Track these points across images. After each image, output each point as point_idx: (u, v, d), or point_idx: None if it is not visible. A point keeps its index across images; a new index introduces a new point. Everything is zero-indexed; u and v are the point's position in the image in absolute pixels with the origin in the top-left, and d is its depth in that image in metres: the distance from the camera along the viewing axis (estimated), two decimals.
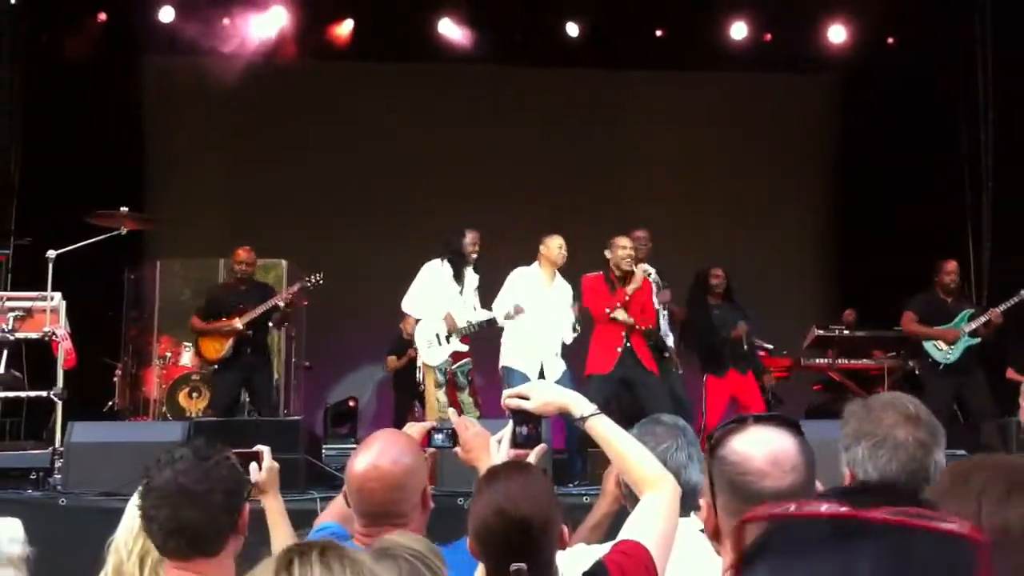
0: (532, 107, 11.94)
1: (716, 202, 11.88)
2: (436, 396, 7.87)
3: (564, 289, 7.92)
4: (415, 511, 2.61)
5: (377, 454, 2.58)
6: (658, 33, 11.76)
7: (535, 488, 2.26)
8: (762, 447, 1.85)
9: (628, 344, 7.60)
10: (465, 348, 7.97)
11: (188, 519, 2.31)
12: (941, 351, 8.29)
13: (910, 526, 0.90)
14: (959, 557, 0.89)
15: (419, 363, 8.19)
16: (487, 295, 8.08)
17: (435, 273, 8.05)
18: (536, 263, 7.90)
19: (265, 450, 3.15)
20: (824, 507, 0.94)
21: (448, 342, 7.91)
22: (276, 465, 3.15)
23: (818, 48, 11.60)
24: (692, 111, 12.02)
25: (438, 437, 2.92)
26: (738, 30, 11.53)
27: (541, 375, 7.60)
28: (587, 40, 11.53)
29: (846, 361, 9.77)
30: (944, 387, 8.18)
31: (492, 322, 7.95)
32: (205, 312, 8.68)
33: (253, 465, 3.11)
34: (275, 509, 3.12)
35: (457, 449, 2.87)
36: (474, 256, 8.06)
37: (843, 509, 0.93)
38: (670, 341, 8.29)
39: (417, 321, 8.09)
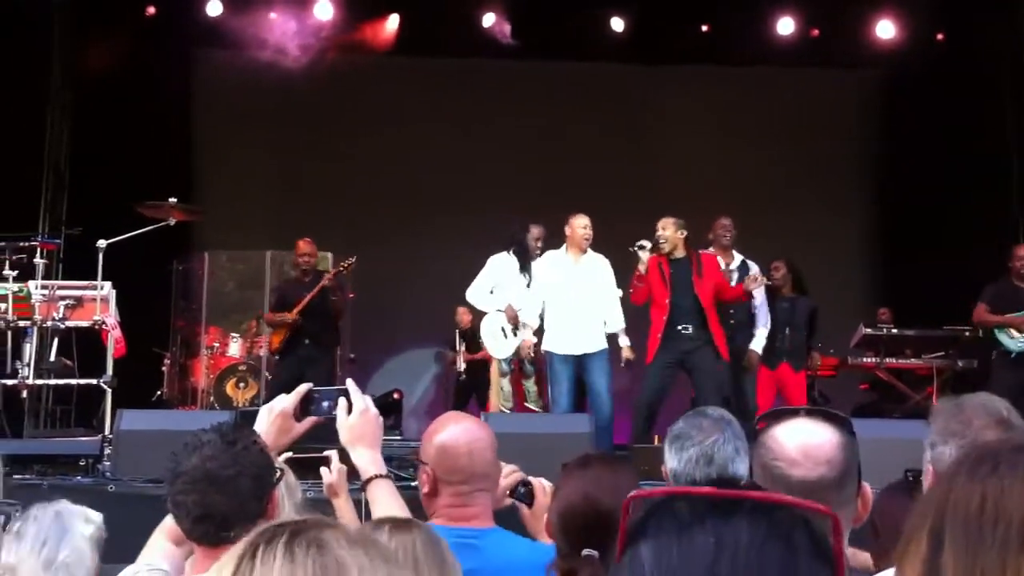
0: (577, 102, 11.92)
1: (760, 198, 11.77)
2: (500, 384, 8.06)
3: (597, 265, 7.81)
4: (495, 482, 2.75)
5: (469, 425, 2.75)
6: (704, 28, 11.70)
7: (621, 481, 2.30)
8: (798, 437, 1.89)
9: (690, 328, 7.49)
10: (533, 340, 7.88)
11: (216, 505, 2.28)
12: (1014, 339, 8.11)
13: (777, 502, 1.02)
14: (817, 528, 1.01)
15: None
16: None
17: (501, 266, 8.14)
18: (564, 245, 7.85)
19: (332, 453, 3.18)
20: (706, 488, 1.03)
21: (514, 335, 7.99)
22: (345, 468, 3.18)
23: (866, 44, 11.49)
24: (737, 106, 11.94)
25: (521, 490, 2.92)
26: (785, 25, 11.45)
27: (581, 357, 7.58)
28: (632, 35, 11.50)
29: (894, 360, 9.64)
30: (1012, 377, 7.99)
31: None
32: (274, 306, 8.94)
33: (324, 469, 3.16)
34: (346, 511, 3.17)
35: (526, 511, 2.92)
36: (538, 252, 8.10)
37: (722, 490, 1.03)
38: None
39: (481, 314, 8.20)
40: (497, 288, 8.09)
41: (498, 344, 8.08)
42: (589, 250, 7.79)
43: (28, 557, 2.87)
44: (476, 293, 8.15)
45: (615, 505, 2.21)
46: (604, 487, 2.27)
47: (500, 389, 8.01)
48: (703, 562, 0.95)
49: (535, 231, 8.13)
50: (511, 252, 8.13)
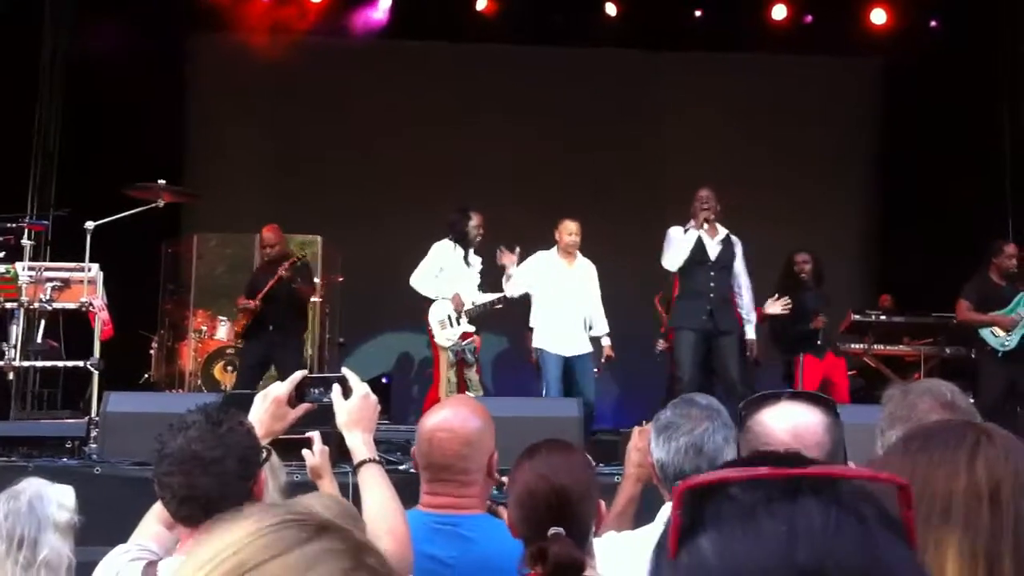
0: (570, 87, 11.88)
1: (753, 185, 11.75)
2: (448, 376, 8.11)
3: (587, 271, 8.15)
4: (480, 474, 2.68)
5: (449, 413, 2.70)
6: (697, 13, 11.67)
7: (574, 461, 2.35)
8: (787, 420, 1.90)
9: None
10: (473, 328, 8.18)
11: (201, 486, 2.29)
12: (998, 338, 8.12)
13: (843, 477, 0.96)
14: (884, 505, 0.96)
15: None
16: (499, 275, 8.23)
17: (446, 253, 8.23)
18: (555, 247, 8.11)
19: (315, 435, 3.16)
20: (764, 469, 0.96)
21: (458, 323, 8.11)
22: (327, 449, 3.17)
23: (860, 31, 11.47)
24: (730, 93, 11.92)
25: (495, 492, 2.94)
26: (778, 11, 11.43)
27: (570, 359, 7.90)
28: (625, 20, 11.47)
29: (882, 347, 9.68)
30: (1001, 374, 8.05)
31: (496, 302, 8.16)
32: (246, 291, 8.91)
33: (306, 451, 3.13)
34: (330, 493, 3.14)
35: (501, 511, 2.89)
36: (478, 239, 8.26)
37: (781, 470, 0.96)
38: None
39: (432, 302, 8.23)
40: (441, 275, 8.15)
41: (445, 332, 8.12)
42: (579, 255, 8.09)
43: (5, 560, 2.83)
44: (421, 279, 8.19)
45: (571, 482, 2.24)
46: (556, 466, 2.29)
47: (448, 380, 8.04)
48: (777, 550, 0.90)
49: (475, 219, 8.23)
50: (451, 239, 8.22)
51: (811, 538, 0.90)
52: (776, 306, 8.04)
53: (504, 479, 2.88)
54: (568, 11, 11.45)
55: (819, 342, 8.55)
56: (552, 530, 2.17)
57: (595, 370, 8.12)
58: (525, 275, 7.99)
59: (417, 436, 2.72)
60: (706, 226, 7.72)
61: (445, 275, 8.17)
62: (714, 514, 0.94)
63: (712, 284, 7.76)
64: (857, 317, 9.57)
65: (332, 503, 2.08)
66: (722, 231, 7.89)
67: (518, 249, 8.00)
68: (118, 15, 10.31)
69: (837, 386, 8.47)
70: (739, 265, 7.92)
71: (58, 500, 2.98)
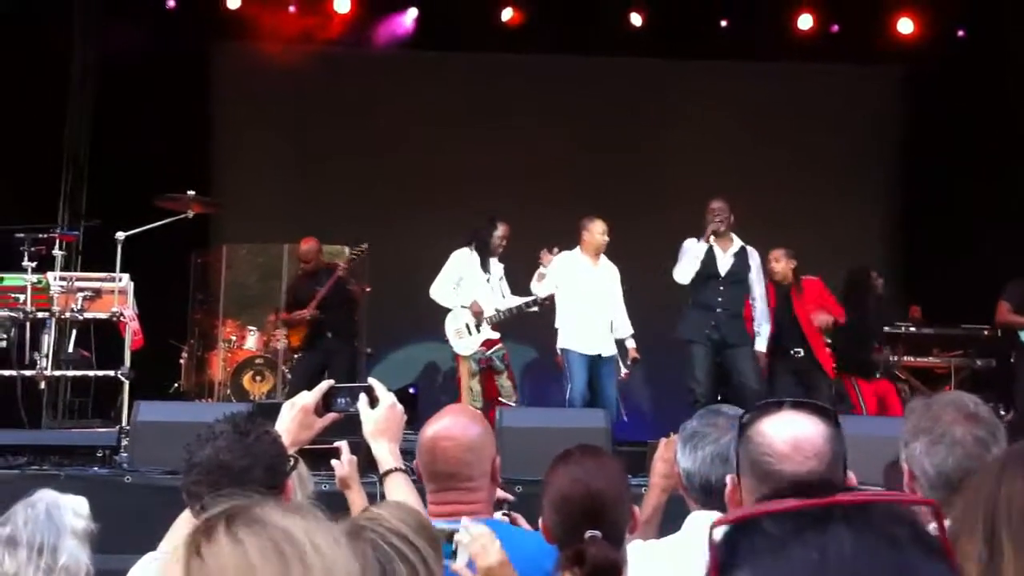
0: (595, 96, 11.88)
1: (778, 194, 11.73)
2: (470, 385, 8.10)
3: (610, 271, 8.11)
4: (484, 479, 2.70)
5: (449, 422, 2.72)
6: (723, 23, 11.67)
7: (608, 467, 2.40)
8: (786, 431, 1.89)
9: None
10: (496, 335, 8.15)
11: (229, 495, 2.30)
12: None
13: (873, 502, 0.96)
14: (919, 524, 0.96)
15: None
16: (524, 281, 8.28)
17: (464, 262, 8.24)
18: (578, 247, 8.04)
19: (343, 444, 3.17)
20: (792, 502, 0.97)
21: (478, 331, 8.09)
22: (355, 458, 3.18)
23: (886, 40, 11.43)
24: (753, 101, 11.89)
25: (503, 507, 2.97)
26: (805, 21, 11.41)
27: (595, 358, 7.84)
28: (651, 30, 11.47)
29: (911, 359, 9.62)
30: None
31: (526, 306, 8.12)
32: (287, 304, 9.07)
33: (335, 461, 3.15)
34: (358, 503, 3.15)
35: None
36: (501, 249, 8.26)
37: (809, 500, 0.97)
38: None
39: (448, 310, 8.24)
40: (461, 283, 8.17)
41: (463, 341, 8.12)
42: (602, 255, 8.05)
43: (27, 567, 2.87)
44: (441, 290, 8.20)
45: (605, 486, 2.27)
46: (591, 471, 2.34)
47: (470, 389, 8.03)
48: None
49: (501, 229, 8.23)
50: (472, 248, 8.22)
51: (841, 563, 0.91)
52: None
53: (500, 493, 2.89)
54: (593, 21, 11.46)
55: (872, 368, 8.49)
56: (589, 533, 2.20)
57: (624, 372, 8.07)
58: (552, 277, 8.00)
59: (419, 446, 2.74)
60: (714, 238, 7.64)
61: (465, 284, 8.17)
62: (748, 549, 0.95)
63: (720, 299, 7.66)
64: (886, 329, 9.50)
65: (404, 514, 2.08)
66: (737, 243, 7.79)
67: (556, 249, 8.03)
68: (146, 26, 10.42)
69: (892, 405, 8.32)
70: (754, 276, 7.84)
71: (73, 508, 3.02)
